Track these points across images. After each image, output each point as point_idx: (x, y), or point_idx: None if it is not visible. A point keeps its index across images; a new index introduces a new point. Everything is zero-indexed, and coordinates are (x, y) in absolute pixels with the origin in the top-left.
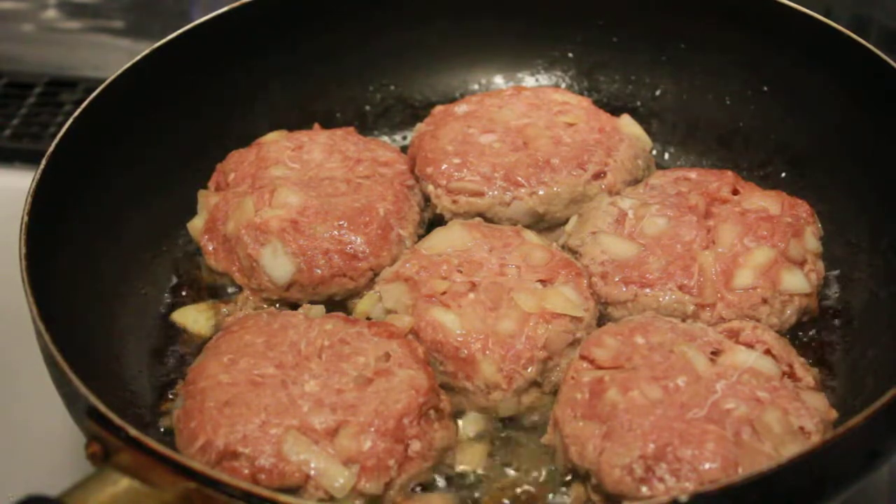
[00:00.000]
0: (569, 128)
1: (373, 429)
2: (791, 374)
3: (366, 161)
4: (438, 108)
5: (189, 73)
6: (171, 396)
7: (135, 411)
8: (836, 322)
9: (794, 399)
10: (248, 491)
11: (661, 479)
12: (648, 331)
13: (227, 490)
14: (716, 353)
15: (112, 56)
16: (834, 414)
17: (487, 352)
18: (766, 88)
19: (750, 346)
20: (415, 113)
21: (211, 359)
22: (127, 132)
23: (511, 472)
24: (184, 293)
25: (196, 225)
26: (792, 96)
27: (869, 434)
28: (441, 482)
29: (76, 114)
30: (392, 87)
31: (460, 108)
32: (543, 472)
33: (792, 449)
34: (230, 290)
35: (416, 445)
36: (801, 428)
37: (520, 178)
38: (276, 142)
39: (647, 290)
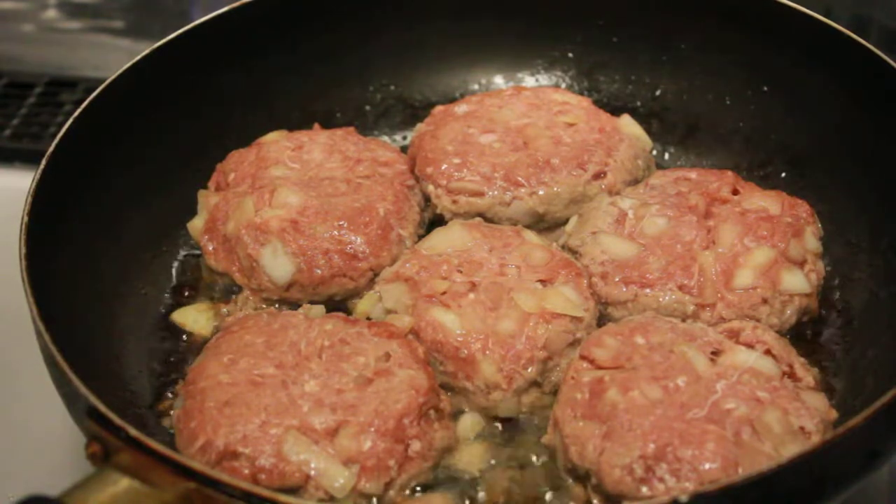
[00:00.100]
0: (569, 128)
1: (373, 429)
2: (791, 374)
3: (366, 161)
4: (438, 108)
5: (189, 73)
6: (171, 396)
7: (135, 411)
8: (837, 322)
9: (794, 399)
10: (248, 491)
11: (662, 479)
12: (648, 331)
13: (227, 490)
14: (716, 353)
15: (112, 56)
16: (834, 414)
17: (487, 352)
18: (766, 88)
19: (750, 346)
20: (415, 113)
21: (211, 359)
22: (127, 132)
23: (510, 472)
24: (184, 293)
25: (196, 225)
26: (792, 96)
27: (869, 434)
28: (441, 482)
29: (76, 114)
30: (392, 87)
31: (460, 108)
32: (543, 473)
33: (792, 449)
34: (230, 290)
35: (416, 445)
36: (802, 428)
37: (520, 178)
38: (276, 142)
39: (647, 290)
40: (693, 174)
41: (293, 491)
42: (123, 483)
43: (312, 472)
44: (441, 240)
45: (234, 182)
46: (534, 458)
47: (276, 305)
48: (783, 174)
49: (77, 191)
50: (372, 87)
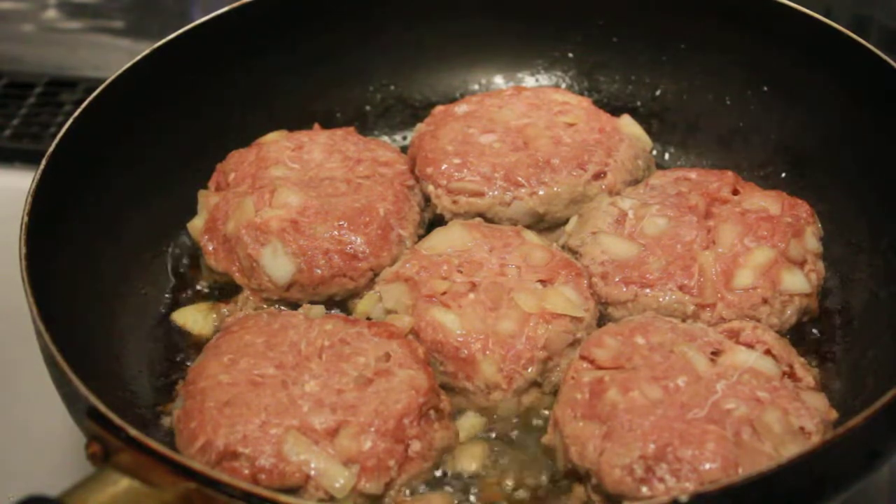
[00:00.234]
0: (569, 128)
1: (373, 429)
2: (791, 375)
3: (366, 161)
4: (438, 108)
5: (189, 73)
6: (171, 396)
7: (135, 411)
8: (837, 322)
9: (794, 399)
10: (248, 491)
11: (662, 480)
12: (648, 331)
13: (227, 490)
14: (716, 353)
15: (112, 56)
16: (834, 414)
17: (487, 352)
18: (766, 88)
19: (750, 346)
20: (415, 113)
21: (211, 359)
22: (127, 132)
23: (511, 472)
24: (184, 293)
25: (196, 225)
26: (792, 96)
27: (869, 434)
28: (441, 482)
29: (76, 114)
30: (392, 87)
31: (460, 108)
32: (543, 473)
33: (792, 449)
34: (230, 290)
35: (416, 445)
36: (802, 428)
37: (520, 178)
38: (276, 142)
39: (648, 290)
40: (693, 174)
41: (293, 491)
42: (123, 483)
43: (312, 473)
44: (441, 240)
45: (234, 182)
46: (533, 459)
47: (276, 305)
48: (783, 174)
49: (77, 191)
50: (372, 87)
